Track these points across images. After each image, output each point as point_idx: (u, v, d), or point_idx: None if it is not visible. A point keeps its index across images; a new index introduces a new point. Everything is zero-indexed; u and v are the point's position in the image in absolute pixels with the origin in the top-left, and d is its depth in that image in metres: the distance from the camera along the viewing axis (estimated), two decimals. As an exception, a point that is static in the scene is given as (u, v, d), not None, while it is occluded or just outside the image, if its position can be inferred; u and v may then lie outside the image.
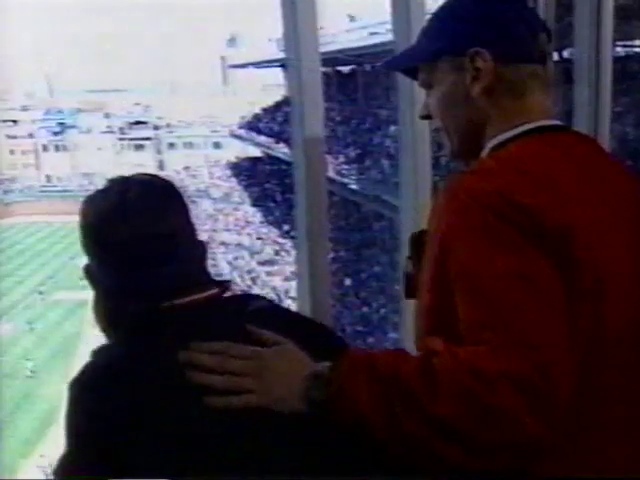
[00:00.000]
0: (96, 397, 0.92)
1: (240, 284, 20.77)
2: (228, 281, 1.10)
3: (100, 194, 1.05)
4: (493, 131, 1.05)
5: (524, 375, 0.81)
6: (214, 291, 1.04)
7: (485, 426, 0.82)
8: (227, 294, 1.07)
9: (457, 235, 0.92)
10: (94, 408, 0.91)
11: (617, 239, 0.97)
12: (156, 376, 0.92)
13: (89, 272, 1.05)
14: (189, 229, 1.07)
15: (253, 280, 21.06)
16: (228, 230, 26.76)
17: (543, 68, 1.06)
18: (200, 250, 1.08)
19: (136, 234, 1.00)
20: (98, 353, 0.99)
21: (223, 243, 25.03)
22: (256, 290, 20.19)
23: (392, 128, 18.51)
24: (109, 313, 1.04)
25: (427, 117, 1.14)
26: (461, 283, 0.90)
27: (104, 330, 1.05)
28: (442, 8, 1.12)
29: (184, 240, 1.05)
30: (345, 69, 25.82)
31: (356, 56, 22.95)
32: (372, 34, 24.33)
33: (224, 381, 0.93)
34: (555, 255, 0.89)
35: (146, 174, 1.10)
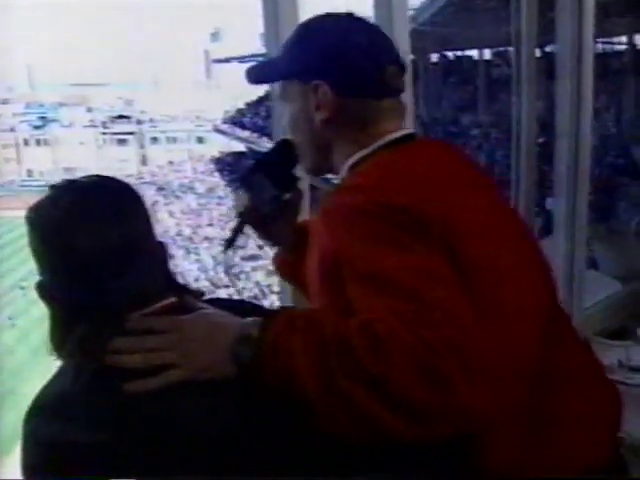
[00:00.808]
0: (49, 427, 0.86)
1: (224, 279, 20.68)
2: (187, 289, 1.03)
3: (48, 201, 0.98)
4: (341, 154, 1.11)
5: (460, 344, 0.84)
6: (170, 300, 0.97)
7: (425, 388, 0.82)
8: (197, 300, 1.00)
9: (346, 246, 0.95)
10: (48, 439, 0.85)
11: (489, 227, 1.05)
12: (110, 401, 0.86)
13: (42, 288, 0.98)
14: (148, 232, 1.00)
15: (236, 275, 20.97)
16: (211, 225, 26.62)
17: (392, 101, 1.12)
18: (160, 254, 1.01)
19: (91, 243, 0.92)
20: (51, 380, 0.94)
21: (207, 238, 24.89)
22: (240, 285, 20.12)
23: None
24: (63, 331, 0.97)
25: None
26: (363, 286, 0.91)
27: (57, 350, 0.98)
28: (300, 31, 1.16)
29: (143, 245, 0.97)
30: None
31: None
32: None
33: (143, 360, 0.88)
34: (440, 246, 0.94)
35: (98, 176, 1.01)
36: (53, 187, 1.00)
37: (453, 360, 0.83)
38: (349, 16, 1.15)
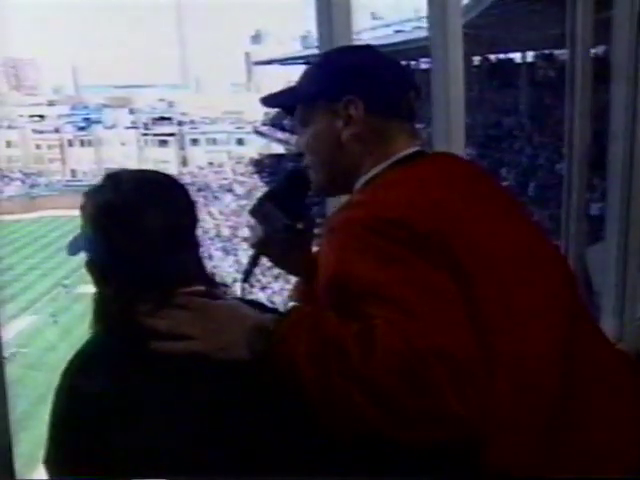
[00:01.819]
0: (81, 381, 0.94)
1: (262, 281, 20.84)
2: (216, 281, 1.10)
3: (110, 184, 1.04)
4: (363, 171, 1.14)
5: (450, 353, 0.87)
6: (200, 288, 1.04)
7: (414, 396, 0.86)
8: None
9: (347, 261, 0.98)
10: (78, 392, 0.93)
11: (494, 235, 1.05)
12: (141, 362, 0.95)
13: (94, 265, 1.05)
14: (195, 222, 1.09)
15: (275, 277, 21.12)
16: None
17: (409, 123, 1.16)
18: (198, 245, 1.10)
19: (152, 222, 1.01)
20: (87, 343, 1.00)
21: (246, 239, 25.13)
22: (277, 286, 20.24)
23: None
24: (106, 304, 1.03)
25: (301, 154, 1.22)
26: (363, 299, 0.94)
27: (97, 320, 1.04)
28: (326, 57, 1.24)
29: (189, 233, 1.07)
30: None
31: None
32: (397, 32, 24.27)
33: (168, 325, 0.98)
34: (440, 259, 0.96)
35: (150, 170, 1.11)
36: (110, 175, 1.07)
37: (441, 369, 0.86)
38: (369, 46, 1.22)
